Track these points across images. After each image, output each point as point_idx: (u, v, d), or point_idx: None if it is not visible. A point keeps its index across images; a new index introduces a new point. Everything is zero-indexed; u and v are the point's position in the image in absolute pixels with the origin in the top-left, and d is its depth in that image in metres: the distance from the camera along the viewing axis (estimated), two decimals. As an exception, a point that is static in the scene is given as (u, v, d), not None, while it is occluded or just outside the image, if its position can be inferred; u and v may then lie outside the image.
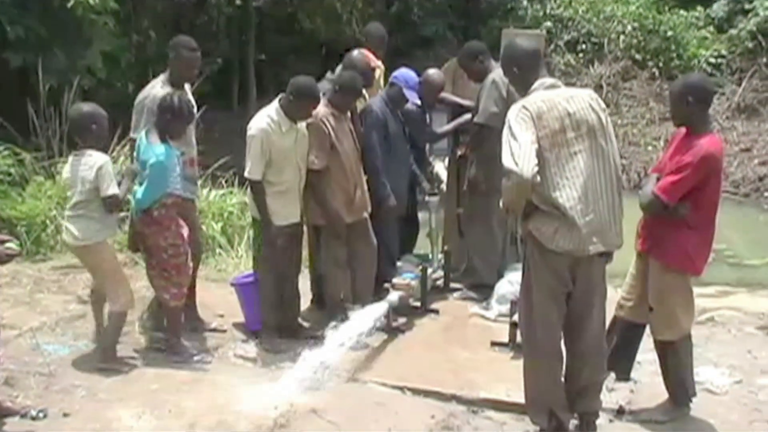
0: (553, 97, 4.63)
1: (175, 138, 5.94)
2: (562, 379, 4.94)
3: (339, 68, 7.25)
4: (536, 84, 4.70)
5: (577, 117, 4.57)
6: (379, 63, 7.75)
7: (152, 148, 5.77)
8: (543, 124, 4.52)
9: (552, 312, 4.75)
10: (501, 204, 4.68)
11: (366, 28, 8.07)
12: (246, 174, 6.20)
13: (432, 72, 7.37)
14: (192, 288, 6.53)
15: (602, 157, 4.62)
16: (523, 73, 4.78)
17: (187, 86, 6.49)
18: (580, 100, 4.66)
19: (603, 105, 4.77)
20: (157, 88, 6.22)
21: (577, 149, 4.57)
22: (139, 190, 5.82)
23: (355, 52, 7.22)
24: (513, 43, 5.03)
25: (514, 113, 4.57)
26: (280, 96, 6.27)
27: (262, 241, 6.39)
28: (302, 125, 6.30)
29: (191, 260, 6.12)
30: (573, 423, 5.06)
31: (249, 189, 6.38)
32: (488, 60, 7.14)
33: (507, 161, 4.46)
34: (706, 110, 5.14)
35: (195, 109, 6.36)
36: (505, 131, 4.55)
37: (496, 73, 6.99)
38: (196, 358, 6.11)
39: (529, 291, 4.80)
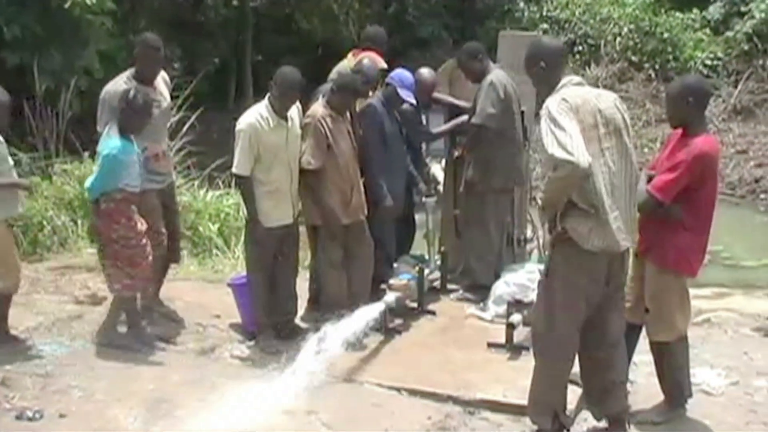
0: (584, 93, 4.62)
1: (134, 132, 6.00)
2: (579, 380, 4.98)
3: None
4: (564, 80, 4.66)
5: (606, 114, 4.55)
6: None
7: (108, 140, 5.89)
8: (580, 117, 4.47)
9: (579, 315, 4.69)
10: (540, 200, 4.63)
11: (370, 32, 7.99)
12: (233, 169, 6.23)
13: (424, 71, 7.36)
14: (160, 278, 6.71)
15: (626, 156, 4.60)
16: (550, 69, 4.71)
17: (162, 84, 6.57)
18: (606, 99, 4.67)
19: (624, 106, 4.77)
20: (120, 83, 6.27)
21: (607, 146, 4.54)
22: (89, 179, 5.97)
23: (366, 60, 7.20)
24: (539, 40, 5.05)
25: (554, 105, 4.49)
26: (269, 93, 6.30)
27: (249, 240, 6.43)
28: (296, 125, 6.32)
29: (149, 254, 6.13)
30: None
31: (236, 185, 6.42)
32: (487, 60, 7.16)
33: (557, 152, 4.34)
34: (703, 111, 5.17)
35: (167, 105, 6.57)
36: (546, 123, 4.46)
37: (494, 74, 7.01)
38: (161, 345, 6.23)
39: (553, 293, 4.70)
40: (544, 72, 4.72)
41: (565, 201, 4.50)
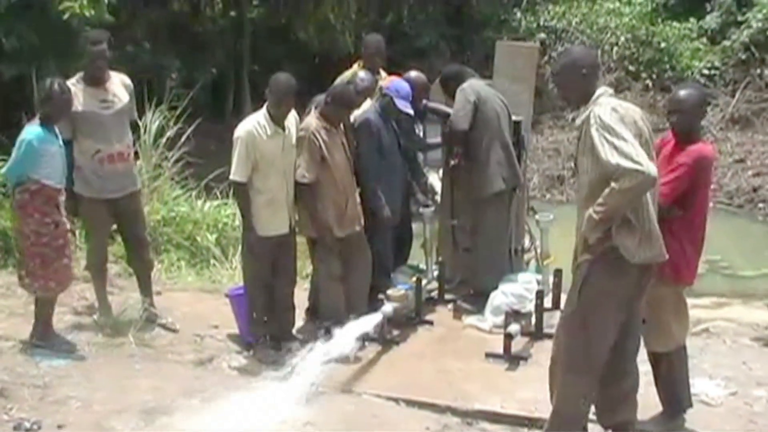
0: (624, 104, 4.60)
1: (53, 122, 5.95)
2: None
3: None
4: (600, 91, 4.61)
5: (640, 125, 4.51)
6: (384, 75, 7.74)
7: (28, 127, 5.91)
8: (627, 127, 4.42)
9: (613, 329, 4.65)
10: (595, 214, 4.39)
11: (374, 41, 7.97)
12: (231, 176, 6.24)
13: (412, 74, 7.37)
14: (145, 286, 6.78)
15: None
16: (588, 78, 4.63)
17: (118, 86, 6.54)
18: (636, 111, 4.63)
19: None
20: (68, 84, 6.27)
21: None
22: (6, 165, 5.97)
23: (362, 73, 7.22)
24: (576, 49, 5.02)
25: (606, 114, 4.40)
26: (266, 102, 6.33)
27: (245, 250, 6.44)
28: (293, 134, 6.32)
29: (66, 256, 6.09)
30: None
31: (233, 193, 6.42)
32: (464, 79, 7.24)
33: (623, 161, 4.24)
34: (701, 120, 5.20)
35: (124, 106, 6.48)
36: (599, 133, 4.35)
37: (468, 83, 7.10)
38: (64, 348, 6.19)
39: (592, 309, 4.60)
40: (584, 80, 4.63)
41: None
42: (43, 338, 6.19)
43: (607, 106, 4.47)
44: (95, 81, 6.42)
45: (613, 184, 4.29)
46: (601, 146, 4.33)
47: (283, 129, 6.28)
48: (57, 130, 6.02)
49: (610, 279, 4.56)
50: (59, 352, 6.13)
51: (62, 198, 6.05)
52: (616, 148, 4.29)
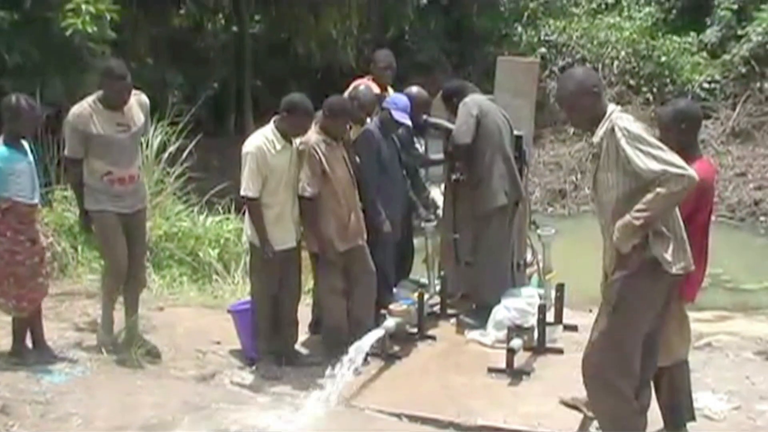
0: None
1: (20, 137, 5.89)
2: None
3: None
4: (611, 108, 4.63)
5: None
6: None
7: None
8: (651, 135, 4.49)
9: (642, 335, 4.68)
10: (636, 220, 4.37)
11: (385, 56, 7.97)
12: (242, 192, 6.23)
13: (413, 89, 7.38)
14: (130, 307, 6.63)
15: None
16: (599, 95, 4.66)
17: (135, 107, 6.44)
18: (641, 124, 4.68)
19: None
20: (85, 105, 6.29)
21: None
22: None
23: (362, 87, 7.24)
24: (577, 71, 5.03)
25: (631, 125, 4.45)
26: (274, 117, 6.33)
27: (255, 264, 6.42)
28: (295, 149, 6.34)
29: (41, 275, 6.05)
30: None
31: (246, 210, 6.37)
32: (464, 95, 7.23)
33: (668, 167, 4.29)
34: (696, 135, 5.18)
35: (137, 130, 6.42)
36: (631, 143, 4.37)
37: (470, 97, 7.10)
38: (42, 362, 6.12)
39: (628, 324, 4.60)
40: (595, 98, 4.64)
41: None
42: (19, 355, 6.13)
43: (629, 119, 4.53)
44: (113, 107, 6.31)
45: (658, 189, 4.31)
46: (637, 157, 4.36)
47: (290, 143, 6.31)
48: (26, 145, 5.95)
49: (648, 291, 4.57)
50: (35, 366, 6.04)
51: (38, 215, 6.00)
52: (654, 156, 4.34)
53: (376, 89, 7.41)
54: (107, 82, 6.32)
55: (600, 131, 4.56)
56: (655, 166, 4.32)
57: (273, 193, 6.25)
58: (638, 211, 4.38)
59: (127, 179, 6.42)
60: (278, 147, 6.23)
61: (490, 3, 19.07)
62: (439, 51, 18.16)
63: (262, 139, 6.25)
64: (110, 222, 6.41)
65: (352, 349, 5.98)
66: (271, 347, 6.47)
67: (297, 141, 6.37)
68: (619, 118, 4.52)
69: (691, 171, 4.33)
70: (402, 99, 7.07)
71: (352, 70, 7.62)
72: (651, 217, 4.39)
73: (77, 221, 6.14)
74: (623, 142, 4.40)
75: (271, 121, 6.35)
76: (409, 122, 7.00)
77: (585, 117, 4.69)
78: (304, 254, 6.70)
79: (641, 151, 4.36)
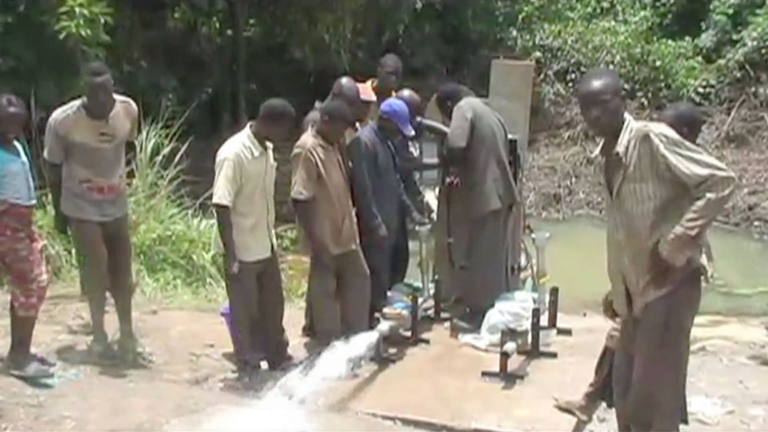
0: None
1: (9, 140, 5.83)
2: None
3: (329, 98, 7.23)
4: (628, 116, 4.45)
5: None
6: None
7: None
8: None
9: None
10: (691, 230, 4.14)
11: (393, 60, 7.92)
12: (215, 199, 6.06)
13: (405, 93, 7.36)
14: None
15: None
16: (622, 99, 4.50)
17: (122, 117, 6.36)
18: None
19: None
20: (68, 111, 6.22)
21: None
22: None
23: (344, 80, 7.20)
24: (603, 71, 4.93)
25: (665, 130, 4.27)
26: (250, 123, 6.27)
27: (227, 276, 6.29)
28: (271, 155, 6.30)
29: (42, 273, 6.00)
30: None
31: (216, 218, 6.21)
32: (459, 99, 7.23)
33: (715, 171, 4.12)
34: (695, 140, 5.18)
35: (120, 141, 6.35)
36: (670, 148, 4.17)
37: (465, 100, 7.10)
38: (40, 373, 6.02)
39: (684, 339, 4.51)
40: (621, 101, 4.46)
41: None
42: (21, 365, 6.02)
43: (657, 125, 4.37)
44: (96, 115, 6.19)
45: (708, 195, 4.10)
46: (680, 162, 4.15)
47: (266, 149, 6.25)
48: (19, 146, 5.91)
49: (694, 302, 4.46)
50: (34, 378, 5.96)
51: (33, 217, 5.97)
52: (696, 160, 4.15)
53: (370, 93, 7.41)
54: (86, 81, 6.23)
55: (624, 139, 4.31)
56: (701, 171, 4.12)
57: (248, 202, 6.12)
58: (691, 220, 4.14)
59: (106, 189, 6.32)
60: (255, 153, 6.13)
61: (485, 7, 19.08)
62: (434, 55, 18.15)
63: (239, 145, 6.12)
64: (89, 230, 6.35)
65: (337, 352, 5.95)
66: (262, 355, 6.42)
67: (269, 144, 6.31)
68: (646, 125, 4.32)
69: (732, 172, 4.18)
70: (402, 108, 6.99)
71: (347, 74, 7.58)
72: (705, 225, 4.19)
73: (53, 219, 6.07)
74: (662, 148, 4.18)
75: (247, 126, 6.24)
76: (413, 133, 7.00)
77: (615, 120, 4.37)
78: (293, 257, 6.67)
79: (682, 156, 4.15)
